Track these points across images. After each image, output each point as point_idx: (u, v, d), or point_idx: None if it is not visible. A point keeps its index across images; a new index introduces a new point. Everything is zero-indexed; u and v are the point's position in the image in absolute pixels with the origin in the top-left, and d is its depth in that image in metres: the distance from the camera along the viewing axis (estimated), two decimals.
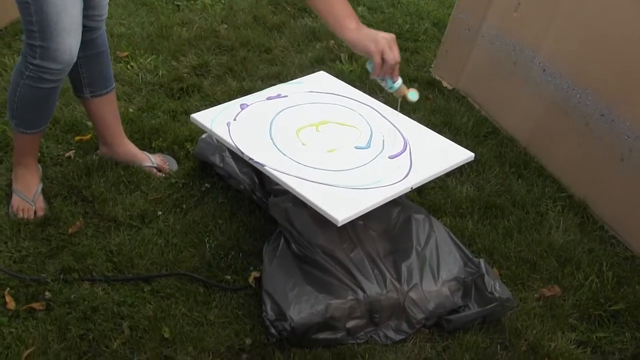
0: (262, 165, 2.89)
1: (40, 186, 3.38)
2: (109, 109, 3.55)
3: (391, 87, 2.90)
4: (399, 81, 2.88)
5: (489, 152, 3.89)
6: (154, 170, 3.59)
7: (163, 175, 3.59)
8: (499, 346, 2.84)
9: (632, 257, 3.30)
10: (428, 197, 3.53)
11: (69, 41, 3.00)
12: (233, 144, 3.01)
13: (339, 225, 2.65)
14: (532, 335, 2.87)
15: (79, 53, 3.17)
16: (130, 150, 3.61)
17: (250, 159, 2.93)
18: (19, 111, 3.21)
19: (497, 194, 3.59)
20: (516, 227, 3.39)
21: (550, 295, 3.06)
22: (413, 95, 2.95)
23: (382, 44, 2.78)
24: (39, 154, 3.49)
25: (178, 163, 3.67)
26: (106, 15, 3.36)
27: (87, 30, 3.22)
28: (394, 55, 2.80)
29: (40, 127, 3.30)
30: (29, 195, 3.31)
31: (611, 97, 3.43)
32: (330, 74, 3.66)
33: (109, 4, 3.33)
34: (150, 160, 3.61)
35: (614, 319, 3.00)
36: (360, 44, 2.82)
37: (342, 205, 2.69)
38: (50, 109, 3.29)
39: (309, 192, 2.75)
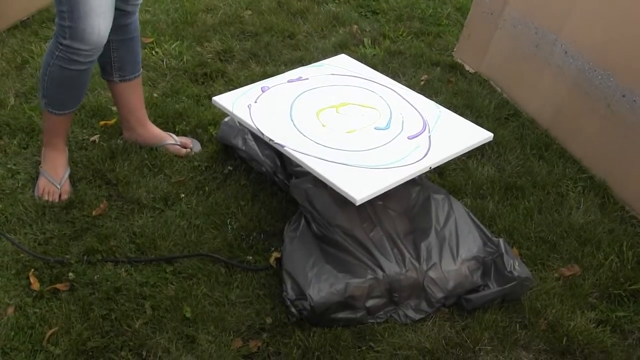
0: (282, 146, 2.92)
1: (69, 171, 3.41)
2: (134, 94, 3.59)
3: None
4: None
5: (510, 134, 3.89)
6: (177, 147, 3.63)
7: (187, 151, 3.63)
8: (518, 325, 2.85)
9: None
10: (449, 179, 3.54)
11: (97, 22, 3.02)
12: (254, 126, 3.03)
13: (358, 204, 2.68)
14: (551, 314, 2.88)
15: (112, 37, 3.22)
16: (152, 133, 3.65)
17: (271, 140, 2.95)
18: (49, 91, 3.25)
19: (518, 175, 3.60)
20: (536, 207, 3.40)
21: (570, 275, 3.07)
22: None
23: None
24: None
25: (202, 145, 3.70)
26: (141, 1, 3.38)
27: (123, 14, 3.27)
28: None
29: (69, 109, 3.33)
30: (56, 178, 3.35)
31: (633, 78, 3.42)
32: (353, 58, 3.68)
33: None
34: (174, 138, 3.64)
35: (634, 298, 3.00)
36: None
37: (360, 184, 2.72)
38: (79, 92, 3.31)
39: (327, 172, 2.77)
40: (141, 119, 3.64)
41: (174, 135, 3.67)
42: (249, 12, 5.21)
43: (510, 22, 4.25)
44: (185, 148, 3.64)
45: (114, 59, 3.43)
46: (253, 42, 4.81)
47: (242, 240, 3.15)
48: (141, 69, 3.58)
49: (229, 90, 3.46)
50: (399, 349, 2.72)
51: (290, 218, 3.10)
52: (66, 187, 3.36)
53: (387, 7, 5.39)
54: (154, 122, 3.76)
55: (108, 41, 3.25)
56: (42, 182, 3.36)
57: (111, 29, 3.19)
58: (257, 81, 3.44)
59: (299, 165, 2.95)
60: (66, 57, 3.10)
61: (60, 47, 3.08)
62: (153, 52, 4.55)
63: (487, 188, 3.49)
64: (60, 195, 3.32)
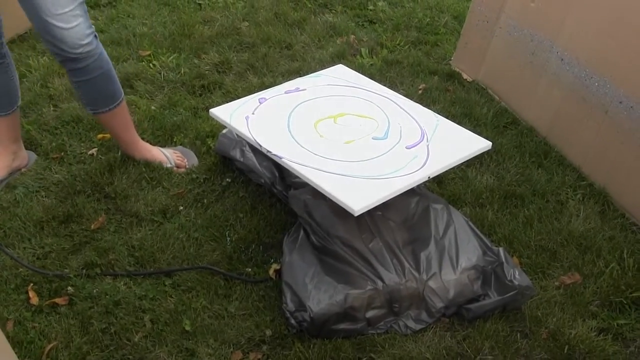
0: (280, 158, 2.91)
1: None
2: (116, 123, 3.52)
3: None
4: None
5: (509, 142, 3.89)
6: (174, 169, 3.61)
7: (183, 171, 3.60)
8: (519, 334, 2.84)
9: None
10: (448, 188, 3.53)
11: None
12: (251, 138, 3.02)
13: (356, 215, 2.67)
14: (552, 323, 2.87)
15: (70, 77, 3.23)
16: (144, 155, 3.62)
17: (269, 151, 2.95)
18: None
19: (517, 184, 3.59)
20: (536, 216, 3.39)
21: (571, 283, 3.06)
22: None
23: None
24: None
25: (198, 157, 3.70)
26: (81, 49, 3.15)
27: (68, 60, 3.17)
28: None
29: None
30: None
31: (629, 84, 3.41)
32: (351, 68, 3.68)
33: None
34: (169, 160, 3.63)
35: (635, 305, 2.99)
36: None
37: (359, 195, 2.71)
38: None
39: (326, 183, 2.76)
40: (130, 143, 3.60)
41: (167, 154, 3.65)
42: (246, 23, 5.21)
43: (506, 30, 4.25)
44: (180, 168, 3.63)
45: (81, 95, 3.38)
46: (250, 53, 4.81)
47: (241, 252, 3.14)
48: (120, 97, 3.45)
49: (227, 102, 3.45)
50: (400, 359, 2.71)
51: (289, 229, 3.09)
52: None
53: (384, 16, 5.39)
54: (152, 134, 3.77)
55: (70, 79, 3.26)
56: None
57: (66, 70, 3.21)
58: (255, 92, 3.44)
59: (297, 177, 2.94)
60: None
61: None
62: (150, 64, 4.55)
63: (486, 197, 3.49)
64: None
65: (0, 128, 3.42)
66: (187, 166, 3.63)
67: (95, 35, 3.20)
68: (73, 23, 3.05)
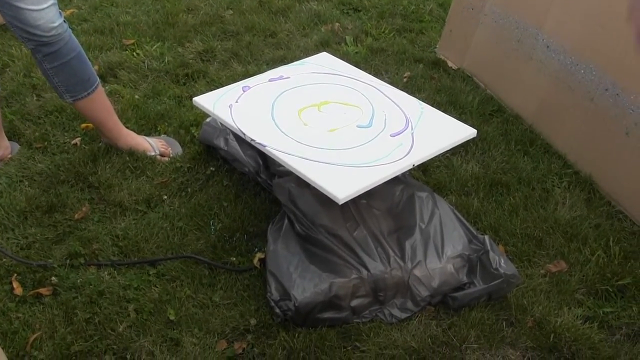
0: (264, 146, 2.89)
1: None
2: (96, 108, 3.49)
3: None
4: None
5: (495, 130, 3.88)
6: (157, 158, 3.59)
7: (167, 159, 3.57)
8: (504, 322, 2.83)
9: (639, 232, 3.28)
10: (433, 176, 3.52)
11: None
12: (235, 126, 3.01)
13: (340, 203, 2.66)
14: (538, 311, 2.86)
15: (45, 65, 3.19)
16: (128, 143, 3.59)
17: (252, 140, 2.93)
18: None
19: (503, 172, 3.58)
20: (522, 204, 3.38)
21: (557, 271, 3.05)
22: None
23: None
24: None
25: (182, 146, 3.67)
26: (53, 32, 3.14)
27: (41, 44, 3.15)
28: None
29: None
30: None
31: (615, 71, 3.41)
32: (336, 56, 3.66)
33: None
34: (153, 149, 3.61)
35: (620, 293, 2.99)
36: None
37: (343, 183, 2.69)
38: None
39: (310, 171, 2.75)
40: (112, 129, 3.57)
41: (152, 143, 3.63)
42: (230, 11, 5.19)
43: (492, 17, 4.24)
44: (164, 157, 3.61)
45: (57, 83, 3.33)
46: (234, 41, 4.79)
47: (226, 242, 3.13)
48: (96, 81, 3.42)
49: (211, 90, 3.43)
50: (385, 348, 2.70)
51: (273, 218, 3.08)
52: None
53: (369, 4, 5.38)
54: (136, 123, 3.75)
55: (44, 69, 3.23)
56: None
57: (37, 59, 3.20)
58: (239, 81, 3.42)
59: (281, 165, 2.93)
60: None
61: None
62: (134, 53, 4.53)
63: (472, 185, 3.48)
64: None
65: None
66: (171, 155, 3.61)
67: (64, 19, 3.18)
68: (44, 5, 3.04)
